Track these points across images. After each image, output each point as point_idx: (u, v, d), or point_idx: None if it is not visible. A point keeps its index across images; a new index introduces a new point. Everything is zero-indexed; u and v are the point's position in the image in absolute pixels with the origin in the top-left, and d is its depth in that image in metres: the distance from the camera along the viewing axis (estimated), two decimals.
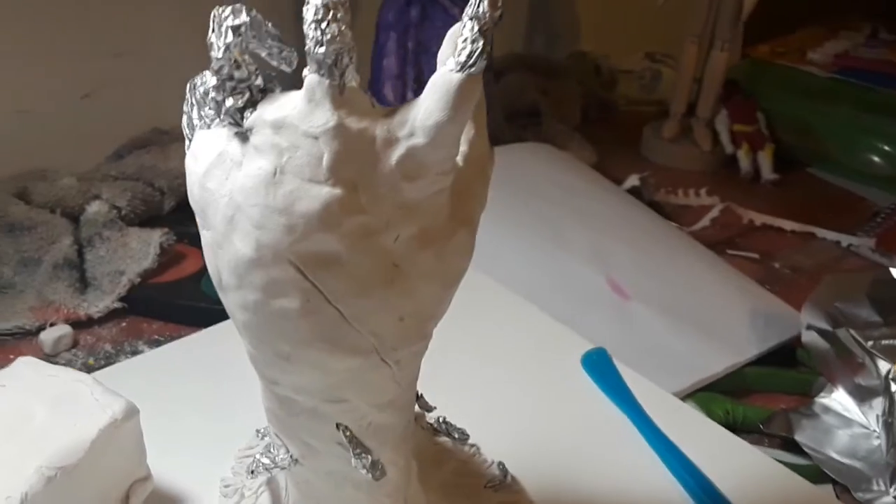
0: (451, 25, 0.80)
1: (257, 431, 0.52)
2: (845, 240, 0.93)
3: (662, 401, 0.58)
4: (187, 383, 0.58)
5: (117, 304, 0.67)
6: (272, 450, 0.43)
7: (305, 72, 0.32)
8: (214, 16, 0.33)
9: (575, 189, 0.82)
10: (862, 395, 0.63)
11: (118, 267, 0.69)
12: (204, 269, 0.70)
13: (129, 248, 0.70)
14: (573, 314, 0.67)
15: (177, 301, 0.68)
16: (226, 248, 0.35)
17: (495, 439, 0.53)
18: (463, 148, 0.37)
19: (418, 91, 0.80)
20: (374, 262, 0.34)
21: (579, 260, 0.72)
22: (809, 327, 0.67)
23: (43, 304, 0.66)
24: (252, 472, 0.46)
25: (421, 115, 0.33)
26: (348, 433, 0.39)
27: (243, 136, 0.34)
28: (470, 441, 0.52)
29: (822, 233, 0.96)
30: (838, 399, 0.65)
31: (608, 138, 1.17)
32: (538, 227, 0.75)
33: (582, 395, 0.57)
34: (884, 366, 0.61)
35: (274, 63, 0.34)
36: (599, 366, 0.59)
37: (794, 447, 0.61)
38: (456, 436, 0.51)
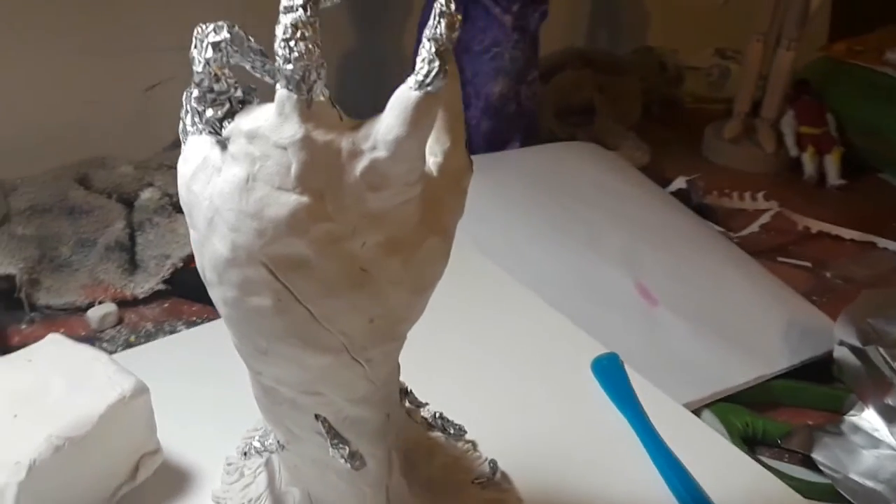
0: (492, 26, 0.82)
1: None
2: None
3: (671, 411, 0.58)
4: (212, 364, 0.61)
5: (161, 286, 0.71)
6: (264, 434, 0.46)
7: (277, 86, 0.34)
8: (197, 32, 0.35)
9: (615, 190, 0.82)
10: (891, 416, 0.62)
11: (165, 251, 0.73)
12: None
13: (176, 234, 0.74)
14: (596, 317, 0.68)
15: None
16: (207, 248, 0.37)
17: (494, 437, 0.54)
18: (437, 159, 0.39)
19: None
20: (341, 267, 0.36)
21: (609, 263, 0.73)
22: (842, 343, 0.65)
23: (94, 282, 0.71)
24: (245, 453, 0.49)
25: (382, 129, 0.34)
26: (326, 424, 0.42)
27: (223, 144, 0.36)
28: (468, 437, 0.54)
29: (883, 242, 0.92)
30: (868, 418, 0.64)
31: (669, 137, 1.15)
32: (571, 227, 0.76)
33: (588, 399, 0.58)
34: None
35: (258, 75, 0.37)
36: (609, 371, 0.59)
37: (814, 464, 0.60)
38: (451, 431, 0.52)
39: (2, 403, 0.45)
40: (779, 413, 0.65)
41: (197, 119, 0.37)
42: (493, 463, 0.51)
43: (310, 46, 0.33)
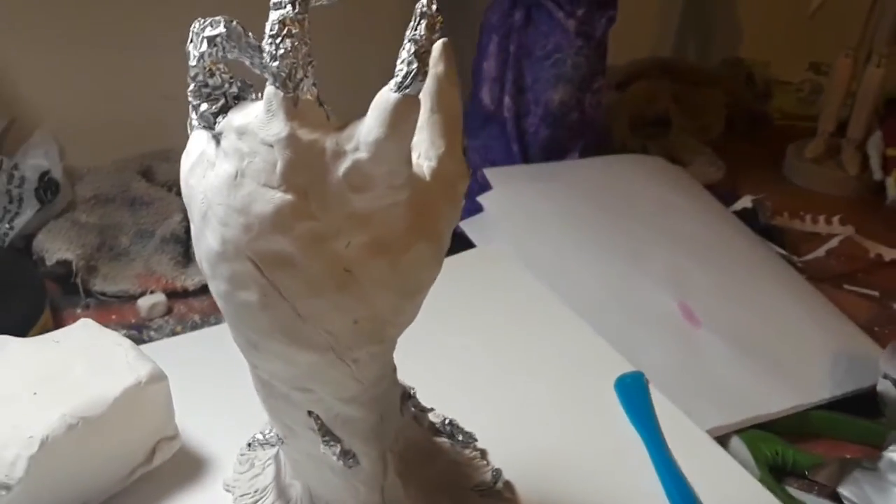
0: (555, 30, 0.81)
1: None
2: None
3: (692, 437, 0.56)
4: (241, 358, 0.62)
5: None
6: (268, 427, 0.47)
7: (267, 83, 0.35)
8: (194, 26, 0.36)
9: (672, 207, 0.80)
10: None
11: None
12: None
13: None
14: (633, 335, 0.66)
15: None
16: (201, 241, 0.38)
17: (507, 446, 0.54)
18: (431, 163, 0.39)
19: (516, 95, 0.81)
20: (324, 266, 0.36)
21: (654, 280, 0.71)
22: (886, 376, 0.62)
23: (147, 272, 0.73)
24: (249, 444, 0.51)
25: (364, 131, 0.34)
26: (318, 421, 0.42)
27: (217, 140, 0.37)
28: (479, 445, 0.54)
29: None
30: None
31: (750, 154, 1.12)
32: (618, 242, 0.74)
33: (608, 418, 0.56)
34: None
35: (256, 71, 0.37)
36: (632, 390, 0.58)
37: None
38: (460, 438, 0.52)
39: (25, 381, 0.47)
40: (815, 444, 0.62)
41: (194, 114, 0.38)
42: (497, 472, 0.51)
43: (296, 44, 0.34)
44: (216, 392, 0.58)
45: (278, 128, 0.35)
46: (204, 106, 0.37)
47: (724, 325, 0.68)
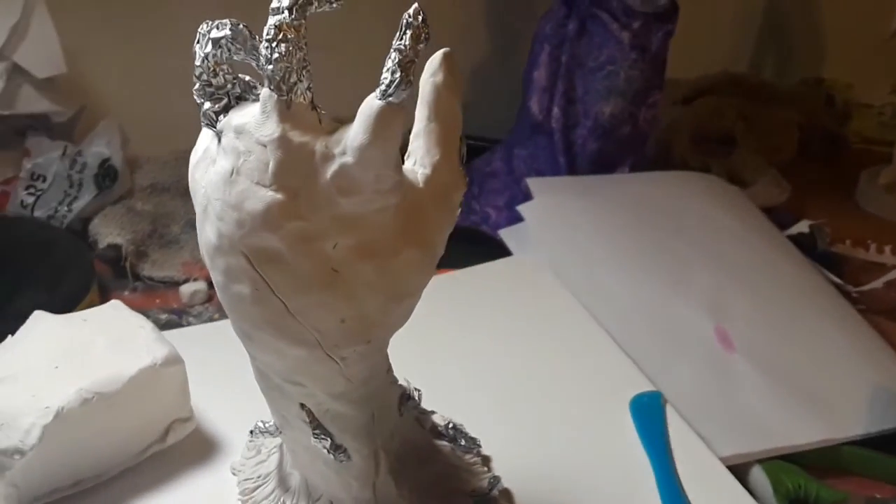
0: (609, 42, 0.80)
1: None
2: None
3: (704, 463, 0.55)
4: None
5: None
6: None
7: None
8: (201, 27, 0.37)
9: (722, 227, 0.78)
10: None
11: None
12: None
13: None
14: (662, 355, 0.65)
15: None
16: (202, 233, 0.40)
17: (513, 456, 0.54)
18: (426, 171, 0.39)
19: (566, 106, 0.81)
20: (312, 265, 0.37)
21: (692, 302, 0.69)
22: None
23: (193, 261, 0.76)
24: (251, 432, 0.52)
25: (350, 136, 0.35)
26: (310, 415, 0.43)
27: (220, 138, 0.38)
28: (483, 452, 0.54)
29: None
30: None
31: (821, 178, 1.08)
32: (660, 260, 0.73)
33: (621, 437, 0.56)
34: None
35: (261, 72, 0.39)
36: (647, 410, 0.57)
37: None
38: (462, 442, 0.53)
39: (48, 355, 0.50)
40: (844, 481, 0.59)
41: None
42: (495, 480, 0.51)
43: (291, 48, 0.35)
44: (236, 380, 0.59)
45: (271, 129, 0.36)
46: (207, 104, 0.38)
47: (760, 351, 0.66)
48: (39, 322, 0.53)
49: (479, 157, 0.90)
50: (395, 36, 0.34)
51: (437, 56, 0.39)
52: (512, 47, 1.02)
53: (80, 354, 0.50)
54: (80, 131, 0.87)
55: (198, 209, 0.40)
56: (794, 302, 0.72)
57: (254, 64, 0.38)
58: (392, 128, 0.34)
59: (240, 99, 0.38)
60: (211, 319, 0.72)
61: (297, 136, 0.36)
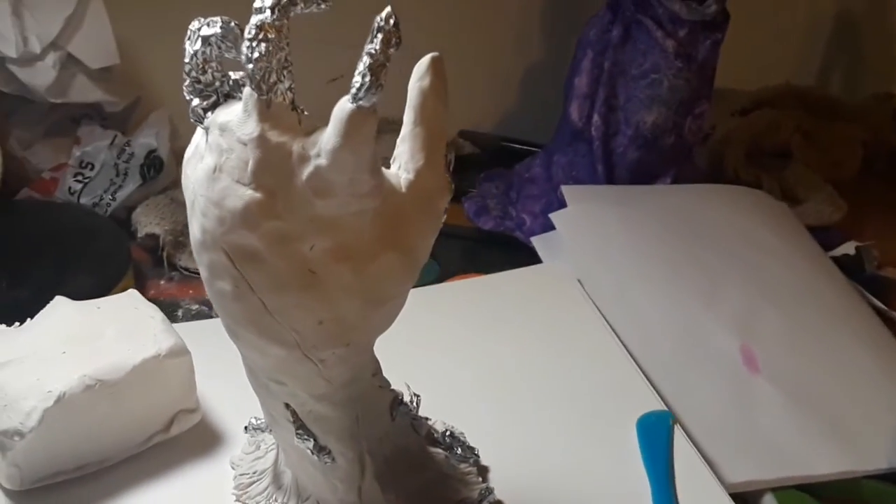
0: (653, 49, 0.79)
1: None
2: None
3: (708, 490, 0.53)
4: None
5: None
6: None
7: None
8: (192, 24, 0.38)
9: (762, 245, 0.75)
10: None
11: None
12: None
13: None
14: (684, 372, 0.63)
15: None
16: (191, 228, 0.40)
17: (512, 468, 0.53)
18: (409, 176, 0.39)
19: (606, 114, 0.80)
20: (289, 265, 0.38)
21: (720, 320, 0.67)
22: None
23: None
24: (245, 428, 0.53)
25: (324, 138, 0.35)
26: (294, 415, 0.43)
27: (207, 134, 0.39)
28: (482, 462, 0.53)
29: None
30: None
31: (884, 196, 1.03)
32: (691, 276, 0.71)
33: (625, 457, 0.54)
34: None
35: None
36: (654, 430, 0.55)
37: None
38: (458, 451, 0.52)
39: (58, 339, 0.51)
40: None
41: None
42: (486, 491, 0.50)
43: (271, 48, 0.35)
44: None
45: (251, 128, 0.36)
46: (196, 101, 0.39)
47: (786, 374, 0.64)
48: (57, 307, 0.55)
49: (521, 163, 0.89)
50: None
51: (425, 60, 0.38)
52: (564, 52, 1.00)
53: (88, 341, 0.51)
54: (133, 122, 0.89)
55: (188, 204, 0.40)
56: (828, 325, 0.69)
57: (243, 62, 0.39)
58: (363, 131, 0.34)
59: (228, 97, 0.39)
60: None
61: (275, 136, 0.36)
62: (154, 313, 0.54)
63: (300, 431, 0.43)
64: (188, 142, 0.97)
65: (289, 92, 0.36)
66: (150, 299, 0.75)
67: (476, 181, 0.90)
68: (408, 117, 0.39)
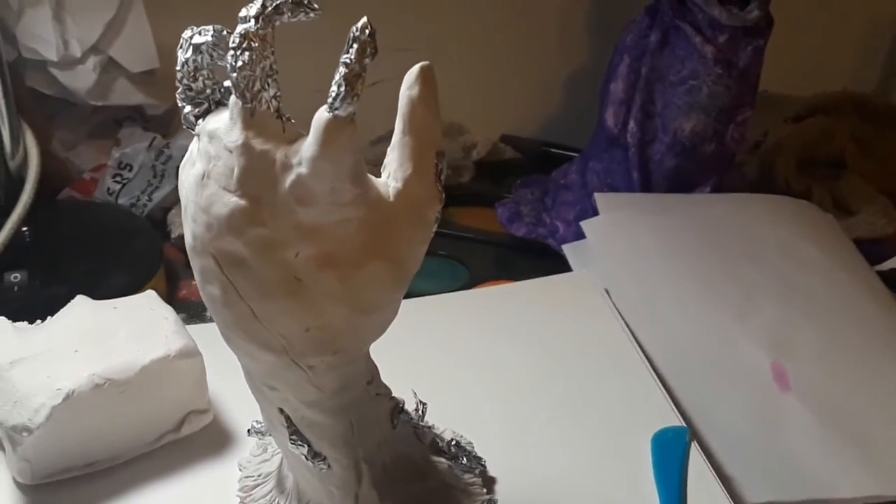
0: (692, 55, 0.77)
1: None
2: None
3: None
4: None
5: None
6: None
7: None
8: (185, 32, 0.38)
9: (802, 258, 0.72)
10: None
11: None
12: None
13: None
14: (709, 388, 0.61)
15: None
16: (185, 232, 0.41)
17: (519, 481, 0.52)
18: (397, 185, 0.39)
19: (643, 120, 0.78)
20: (275, 272, 0.37)
21: (752, 335, 0.65)
22: None
23: None
24: (248, 431, 0.53)
25: (304, 147, 0.35)
26: (288, 420, 0.43)
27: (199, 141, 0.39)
28: (489, 473, 0.53)
29: None
30: None
31: None
32: (724, 288, 0.68)
33: (634, 472, 0.53)
34: None
35: None
36: (670, 447, 0.53)
37: None
38: (463, 461, 0.51)
39: (71, 338, 0.52)
40: None
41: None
42: (490, 503, 0.49)
43: (255, 57, 0.35)
44: None
45: (236, 135, 0.36)
46: (188, 108, 0.39)
47: (818, 394, 0.61)
48: (76, 306, 0.56)
49: (557, 169, 0.88)
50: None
51: (415, 69, 0.38)
52: (608, 56, 0.99)
53: (101, 340, 0.52)
54: (175, 124, 0.90)
55: (182, 209, 0.41)
56: (866, 344, 0.66)
57: None
58: (340, 140, 0.34)
59: (219, 104, 0.39)
60: None
61: (259, 144, 0.36)
62: (168, 314, 0.55)
63: (294, 437, 0.43)
64: None
65: (274, 100, 0.36)
66: (181, 299, 0.77)
67: (513, 187, 0.90)
68: (397, 126, 0.38)
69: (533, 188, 0.88)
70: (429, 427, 0.51)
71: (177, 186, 0.80)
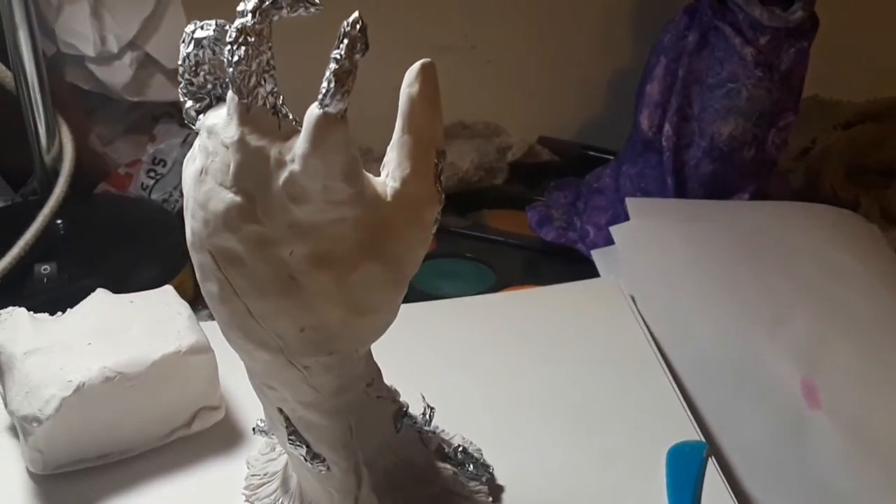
0: (732, 56, 0.75)
1: None
2: None
3: None
4: None
5: None
6: None
7: None
8: (188, 28, 0.38)
9: (841, 270, 0.69)
10: None
11: None
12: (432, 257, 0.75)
13: None
14: (734, 402, 0.59)
15: None
16: (185, 228, 0.41)
17: (529, 492, 0.51)
18: (395, 185, 0.38)
19: (679, 124, 0.76)
20: (269, 270, 0.37)
21: (783, 348, 0.62)
22: None
23: None
24: (253, 429, 0.52)
25: (297, 144, 0.34)
26: (287, 420, 0.43)
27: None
28: (498, 482, 0.51)
29: None
30: None
31: None
32: (757, 299, 0.66)
33: (646, 487, 0.51)
34: None
35: None
36: (685, 462, 0.52)
37: None
38: (470, 468, 0.50)
39: (85, 331, 0.53)
40: None
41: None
42: None
43: (251, 52, 0.35)
44: None
45: (232, 131, 0.36)
46: (189, 103, 0.39)
47: (850, 413, 0.59)
48: (94, 299, 0.56)
49: (591, 173, 0.86)
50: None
51: (415, 67, 0.37)
52: (631, 61, 0.97)
53: (114, 334, 0.53)
54: None
55: (184, 205, 0.41)
56: None
57: None
58: (330, 138, 0.33)
59: (220, 99, 0.39)
60: None
61: (254, 140, 0.36)
62: (183, 310, 0.55)
63: (292, 437, 0.43)
64: None
65: (270, 96, 0.35)
66: (199, 297, 0.78)
67: (546, 190, 0.88)
68: (397, 125, 0.38)
69: (566, 192, 0.86)
70: (435, 432, 0.50)
71: None
